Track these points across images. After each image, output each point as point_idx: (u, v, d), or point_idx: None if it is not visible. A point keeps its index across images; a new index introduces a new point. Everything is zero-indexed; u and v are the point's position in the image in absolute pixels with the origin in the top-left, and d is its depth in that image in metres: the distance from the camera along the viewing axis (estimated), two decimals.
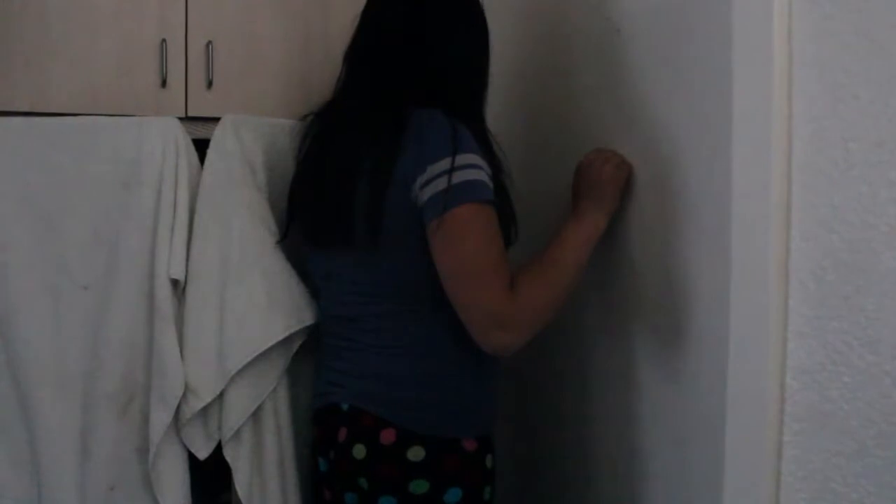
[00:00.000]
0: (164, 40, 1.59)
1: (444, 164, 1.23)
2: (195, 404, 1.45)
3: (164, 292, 1.46)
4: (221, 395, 1.47)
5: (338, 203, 1.33)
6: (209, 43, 1.63)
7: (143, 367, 1.48)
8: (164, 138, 1.50)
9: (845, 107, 0.90)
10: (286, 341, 1.49)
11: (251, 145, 1.55)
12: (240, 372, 1.45)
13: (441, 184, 1.22)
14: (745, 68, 1.01)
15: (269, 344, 1.45)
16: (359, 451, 1.33)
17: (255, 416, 1.50)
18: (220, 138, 1.53)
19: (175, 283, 1.47)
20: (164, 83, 1.59)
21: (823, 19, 0.91)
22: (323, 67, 1.76)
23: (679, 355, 1.50)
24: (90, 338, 1.46)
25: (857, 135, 0.89)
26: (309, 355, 1.56)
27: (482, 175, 1.25)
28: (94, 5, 1.56)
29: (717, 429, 1.04)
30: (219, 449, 1.49)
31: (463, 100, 1.37)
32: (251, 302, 1.46)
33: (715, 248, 1.20)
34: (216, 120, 1.56)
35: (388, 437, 1.31)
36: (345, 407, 1.37)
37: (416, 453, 1.30)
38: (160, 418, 1.44)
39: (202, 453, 1.49)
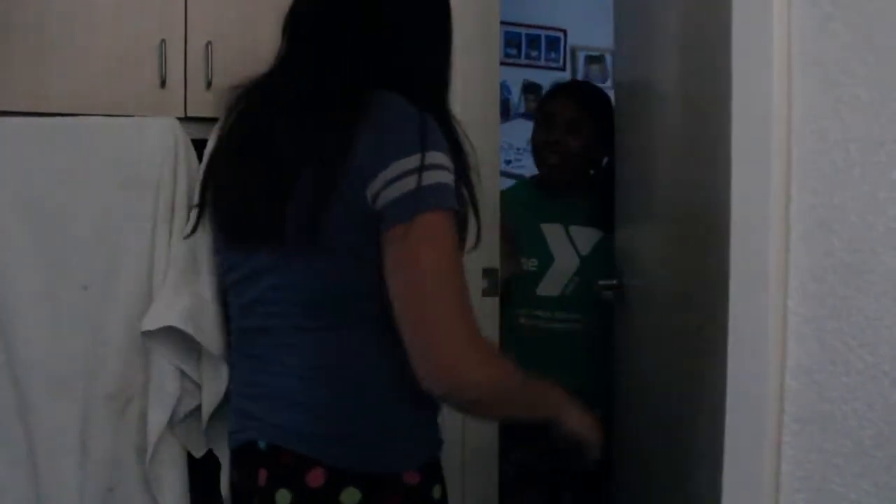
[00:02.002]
0: (163, 40, 1.59)
1: (413, 161, 1.05)
2: (189, 402, 1.45)
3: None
4: None
5: (270, 192, 1.12)
6: (209, 43, 1.63)
7: (142, 368, 1.48)
8: (164, 139, 1.50)
9: (845, 107, 0.90)
10: None
11: None
12: (211, 365, 1.44)
13: (409, 184, 1.05)
14: (745, 68, 1.01)
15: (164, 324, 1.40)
16: (283, 497, 1.13)
17: None
18: None
19: None
20: (163, 83, 1.59)
21: (823, 19, 0.91)
22: None
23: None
24: (89, 338, 1.46)
25: (857, 135, 0.89)
26: None
27: (450, 179, 1.09)
28: (93, 5, 1.56)
29: (717, 428, 1.04)
30: None
31: (426, 83, 1.19)
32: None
33: (714, 248, 1.20)
34: (216, 120, 1.56)
35: (315, 479, 1.12)
36: (262, 445, 1.17)
37: (350, 496, 1.11)
38: (157, 418, 1.44)
39: (198, 451, 1.50)
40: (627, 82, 1.89)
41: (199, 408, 1.47)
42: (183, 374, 1.44)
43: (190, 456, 1.50)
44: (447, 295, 1.06)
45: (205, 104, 1.63)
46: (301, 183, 1.09)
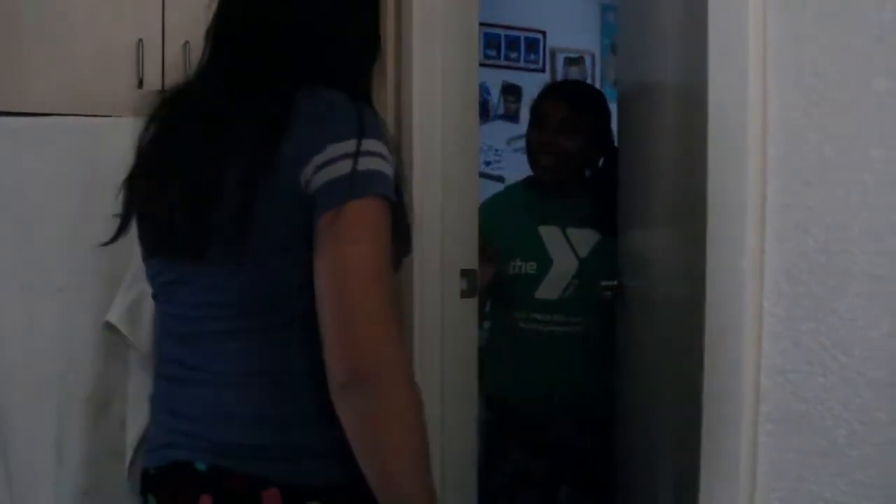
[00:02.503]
0: (140, 40, 1.58)
1: (348, 145, 0.98)
2: None
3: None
4: None
5: (193, 200, 1.04)
6: (186, 43, 1.62)
7: (120, 370, 1.47)
8: None
9: (819, 110, 0.91)
10: None
11: None
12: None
13: (343, 167, 0.97)
14: (722, 72, 1.02)
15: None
16: None
17: None
18: None
19: None
20: (140, 83, 1.58)
21: (797, 24, 0.92)
22: None
23: (677, 355, 1.50)
24: (65, 340, 1.45)
25: (831, 138, 0.90)
26: None
27: (388, 169, 1.01)
28: (69, 5, 1.55)
29: (693, 428, 1.05)
30: None
31: (350, 79, 1.11)
32: None
33: (692, 249, 1.21)
34: None
35: (272, 499, 1.01)
36: (201, 467, 1.04)
37: None
38: (136, 421, 1.43)
39: None
40: (629, 82, 1.89)
41: None
42: None
43: None
44: (371, 286, 0.97)
45: None
46: (227, 186, 1.01)
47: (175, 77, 1.59)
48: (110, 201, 1.47)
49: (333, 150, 0.98)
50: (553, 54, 4.08)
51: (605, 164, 2.08)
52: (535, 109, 2.09)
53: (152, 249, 1.13)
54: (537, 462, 1.99)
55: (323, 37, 1.11)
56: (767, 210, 0.96)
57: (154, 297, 1.18)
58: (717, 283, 1.02)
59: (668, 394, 1.44)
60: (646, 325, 1.71)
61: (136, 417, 1.43)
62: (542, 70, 4.01)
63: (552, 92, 2.19)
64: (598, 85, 3.91)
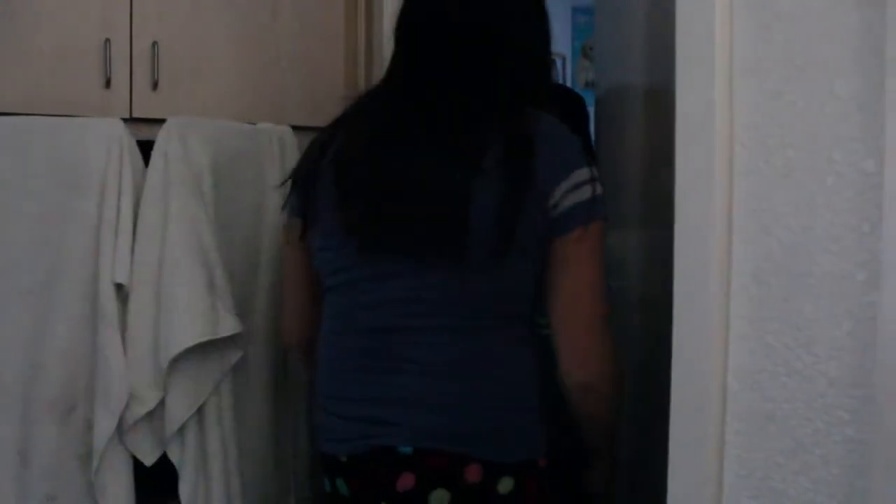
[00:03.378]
0: (107, 39, 1.56)
1: (585, 172, 1.17)
2: (138, 410, 1.43)
3: (108, 297, 1.43)
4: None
5: (449, 210, 1.13)
6: (155, 43, 1.60)
7: (86, 374, 1.45)
8: (108, 140, 1.47)
9: (782, 114, 0.92)
10: (219, 347, 1.48)
11: (197, 148, 1.53)
12: (175, 377, 1.44)
13: (585, 193, 1.16)
14: (689, 75, 1.03)
15: (176, 352, 1.42)
16: (440, 496, 1.17)
17: (200, 423, 1.49)
18: (164, 142, 1.51)
19: (119, 287, 1.45)
20: (108, 83, 1.56)
21: (762, 28, 0.93)
22: (271, 68, 1.75)
23: (657, 356, 1.51)
24: (30, 343, 1.43)
25: (794, 141, 0.91)
26: (260, 369, 1.56)
27: (603, 191, 1.21)
28: (34, 3, 1.53)
29: (662, 428, 1.06)
30: (165, 455, 1.47)
31: (545, 99, 1.28)
32: (178, 307, 1.44)
33: (661, 251, 1.22)
34: (162, 121, 1.54)
35: (473, 474, 1.17)
36: (406, 450, 1.17)
37: (505, 485, 1.18)
38: (105, 426, 1.41)
39: (149, 459, 1.47)
40: (608, 85, 1.90)
41: (149, 414, 1.45)
42: (137, 378, 1.43)
43: (138, 464, 1.48)
44: (602, 290, 1.18)
45: (150, 105, 1.61)
46: (480, 196, 1.13)
47: (143, 77, 1.58)
48: (77, 203, 1.45)
49: (575, 176, 1.16)
50: None
51: None
52: None
53: (365, 243, 1.20)
54: None
55: (527, 63, 1.26)
56: (734, 213, 0.98)
57: (333, 289, 1.25)
58: (684, 284, 1.03)
59: (641, 395, 1.46)
60: (619, 326, 1.72)
61: (104, 422, 1.41)
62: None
63: None
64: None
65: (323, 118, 1.55)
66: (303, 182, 1.29)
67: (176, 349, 1.42)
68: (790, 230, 0.93)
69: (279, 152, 1.68)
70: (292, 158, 1.69)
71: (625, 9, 1.70)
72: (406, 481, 1.17)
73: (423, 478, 1.17)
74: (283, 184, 1.36)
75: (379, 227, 1.19)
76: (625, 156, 1.74)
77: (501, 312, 1.19)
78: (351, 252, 1.21)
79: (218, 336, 1.46)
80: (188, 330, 1.43)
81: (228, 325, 1.47)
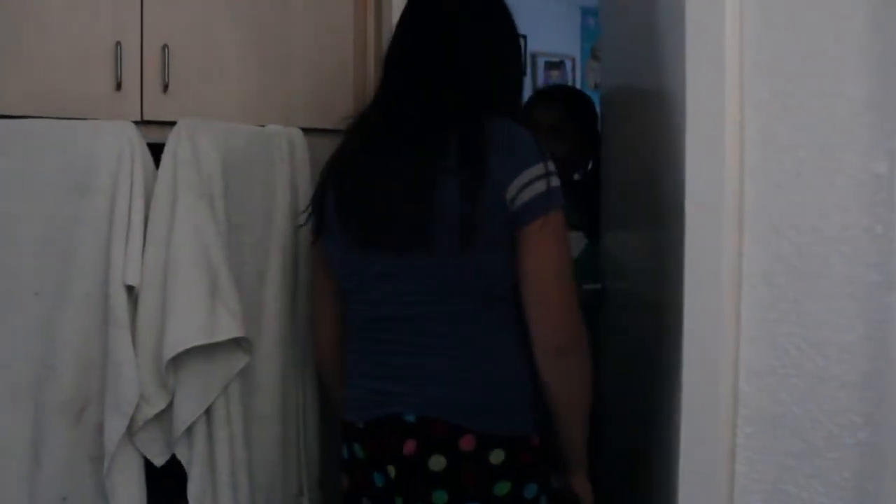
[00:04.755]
0: (118, 42, 1.56)
1: (539, 168, 1.29)
2: (148, 411, 1.43)
3: (118, 299, 1.44)
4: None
5: (417, 206, 1.31)
6: (165, 46, 1.61)
7: (97, 375, 1.45)
8: (119, 143, 1.47)
9: (792, 114, 0.92)
10: (225, 349, 1.49)
11: (206, 150, 1.53)
12: (182, 379, 1.44)
13: (540, 186, 1.29)
14: (700, 76, 1.03)
15: (172, 354, 1.42)
16: (437, 461, 1.30)
17: (209, 424, 1.49)
18: (174, 144, 1.51)
19: (130, 289, 1.45)
20: (118, 86, 1.57)
21: (772, 29, 0.93)
22: (281, 71, 1.75)
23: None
24: (41, 345, 1.43)
25: (804, 141, 0.91)
26: (269, 364, 1.56)
27: (559, 183, 1.32)
28: (45, 6, 1.53)
29: (672, 431, 1.06)
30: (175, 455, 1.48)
31: (511, 103, 1.44)
32: (176, 310, 1.44)
33: (671, 252, 1.22)
34: (172, 124, 1.54)
35: (467, 443, 1.30)
36: (410, 418, 1.33)
37: (496, 456, 1.30)
38: (115, 427, 1.42)
39: (159, 460, 1.48)
40: (612, 86, 1.90)
41: (159, 415, 1.45)
42: (146, 380, 1.43)
43: (149, 464, 1.48)
44: (565, 276, 1.31)
45: (161, 108, 1.61)
46: (444, 195, 1.29)
47: (154, 80, 1.59)
48: (87, 205, 1.46)
49: (528, 173, 1.29)
50: (533, 58, 4.09)
51: (593, 168, 2.09)
52: (526, 115, 2.10)
53: (371, 244, 1.37)
54: None
55: (494, 66, 1.41)
56: (744, 213, 0.97)
57: (350, 290, 1.43)
58: (694, 286, 1.03)
59: (648, 397, 1.45)
60: (627, 328, 1.72)
61: (115, 423, 1.42)
62: (524, 74, 4.03)
63: (542, 97, 2.19)
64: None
65: (332, 120, 1.55)
66: (317, 200, 1.48)
67: (171, 352, 1.42)
68: (800, 231, 0.92)
69: (289, 154, 1.68)
70: (302, 160, 1.69)
71: (630, 10, 1.70)
72: (410, 447, 1.32)
73: (424, 444, 1.31)
74: (305, 210, 1.55)
75: (367, 228, 1.38)
76: (628, 157, 1.73)
77: (483, 296, 1.33)
78: (354, 258, 1.41)
79: (215, 340, 1.46)
80: (185, 333, 1.43)
81: (228, 329, 1.47)
